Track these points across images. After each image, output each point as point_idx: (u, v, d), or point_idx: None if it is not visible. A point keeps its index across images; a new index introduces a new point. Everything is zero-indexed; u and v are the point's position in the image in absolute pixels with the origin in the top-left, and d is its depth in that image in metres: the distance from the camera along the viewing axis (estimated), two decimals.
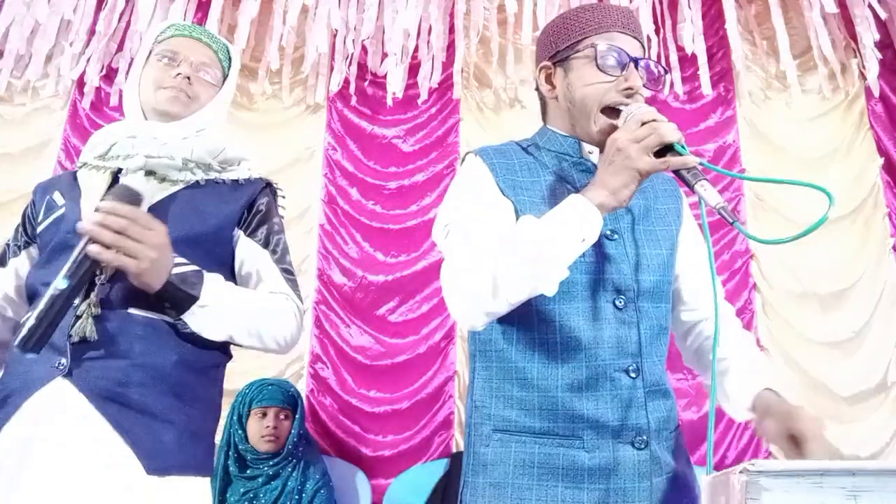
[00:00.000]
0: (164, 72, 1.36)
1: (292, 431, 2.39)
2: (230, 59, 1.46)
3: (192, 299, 1.17)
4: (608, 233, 1.13)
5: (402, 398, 2.95)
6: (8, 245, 1.37)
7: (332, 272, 3.13)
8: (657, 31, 3.20)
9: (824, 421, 1.07)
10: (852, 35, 3.23)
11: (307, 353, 3.02)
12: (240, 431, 2.38)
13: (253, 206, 1.36)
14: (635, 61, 1.14)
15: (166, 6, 3.09)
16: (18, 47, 3.14)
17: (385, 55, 3.25)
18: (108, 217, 1.10)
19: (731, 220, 0.94)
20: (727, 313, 1.29)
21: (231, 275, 1.32)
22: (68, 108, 3.33)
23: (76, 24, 3.18)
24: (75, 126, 3.29)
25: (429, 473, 2.72)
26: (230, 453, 2.37)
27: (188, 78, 1.35)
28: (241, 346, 1.27)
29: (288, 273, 1.35)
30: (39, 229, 1.30)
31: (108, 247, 1.10)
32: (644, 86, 1.15)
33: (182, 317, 1.18)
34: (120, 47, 3.30)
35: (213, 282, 1.21)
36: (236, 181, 1.37)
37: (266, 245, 1.34)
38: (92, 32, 3.22)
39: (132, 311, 1.18)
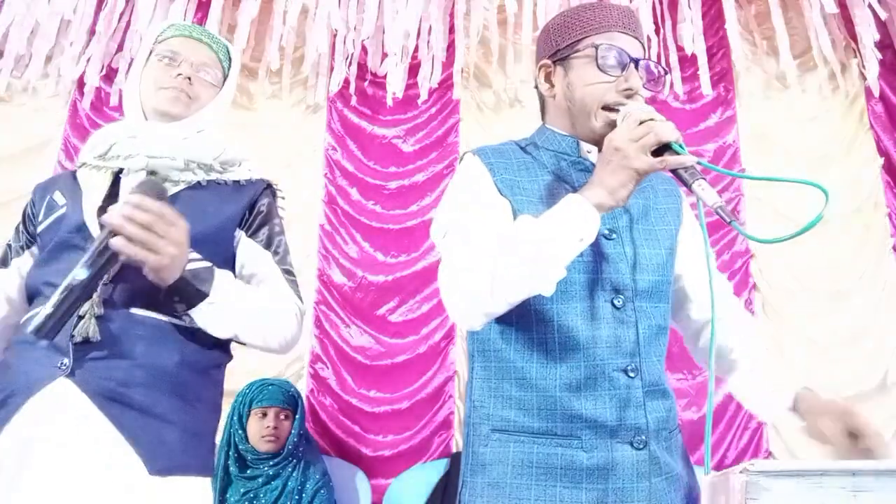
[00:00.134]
0: (164, 72, 1.36)
1: (292, 431, 2.39)
2: (230, 59, 1.46)
3: (202, 295, 1.17)
4: (606, 232, 1.13)
5: (402, 398, 2.95)
6: (9, 245, 1.37)
7: (332, 272, 3.13)
8: (657, 31, 3.20)
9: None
10: (852, 35, 3.23)
11: (307, 353, 3.02)
12: (240, 431, 2.38)
13: (254, 206, 1.36)
14: (635, 62, 1.14)
15: (166, 6, 3.09)
16: (18, 47, 3.14)
17: (385, 55, 3.25)
18: (136, 211, 1.10)
19: (728, 220, 0.93)
20: (736, 308, 1.28)
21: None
22: (68, 108, 3.33)
23: (76, 24, 3.17)
24: (75, 126, 3.29)
25: (429, 473, 2.72)
26: (230, 453, 2.37)
27: (189, 78, 1.35)
28: (244, 344, 1.28)
29: (289, 274, 1.35)
30: (40, 229, 1.30)
31: (130, 240, 1.10)
32: (644, 86, 1.15)
33: (190, 312, 1.18)
34: (120, 47, 3.30)
35: (222, 279, 1.21)
36: (237, 182, 1.37)
37: (268, 246, 1.34)
38: (92, 32, 3.22)
39: (134, 311, 1.18)
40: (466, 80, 3.37)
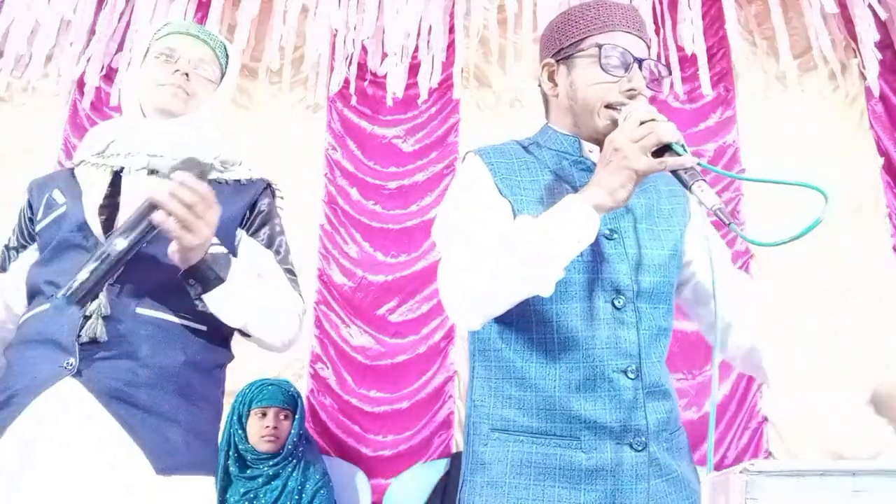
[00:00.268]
0: (162, 69, 1.35)
1: (292, 431, 2.39)
2: (227, 56, 1.46)
3: (220, 280, 1.17)
4: (607, 232, 1.13)
5: (402, 398, 2.94)
6: (7, 248, 1.37)
7: (332, 272, 3.13)
8: (657, 31, 3.20)
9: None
10: (852, 35, 3.23)
11: (307, 353, 3.02)
12: (240, 431, 2.38)
13: (255, 206, 1.37)
14: (639, 62, 1.13)
15: (166, 6, 3.09)
16: (18, 47, 3.13)
17: (385, 55, 3.25)
18: (181, 189, 1.11)
19: (727, 222, 0.93)
20: (755, 302, 1.28)
21: None
22: (68, 108, 3.33)
23: (76, 24, 3.17)
24: (75, 126, 3.29)
25: (429, 473, 2.72)
26: (230, 453, 2.37)
27: (186, 75, 1.35)
28: (248, 337, 1.28)
29: (291, 274, 1.36)
30: (39, 227, 1.30)
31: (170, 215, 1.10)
32: (647, 86, 1.14)
33: (203, 297, 1.18)
34: (120, 47, 3.30)
35: (238, 267, 1.22)
36: (238, 181, 1.37)
37: (269, 246, 1.35)
38: (92, 32, 3.22)
39: (140, 311, 1.19)
40: (466, 79, 3.37)
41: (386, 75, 3.24)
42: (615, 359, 1.08)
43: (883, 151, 3.19)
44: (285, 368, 2.96)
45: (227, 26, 3.29)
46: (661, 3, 3.23)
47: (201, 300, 1.19)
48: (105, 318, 1.15)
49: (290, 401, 2.45)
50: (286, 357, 2.91)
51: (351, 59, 3.26)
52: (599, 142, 1.15)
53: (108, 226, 1.23)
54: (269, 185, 1.42)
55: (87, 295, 1.09)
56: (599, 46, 1.13)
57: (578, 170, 1.18)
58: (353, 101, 3.34)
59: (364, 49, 3.31)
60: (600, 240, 1.11)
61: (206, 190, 1.14)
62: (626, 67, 1.13)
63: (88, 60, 3.25)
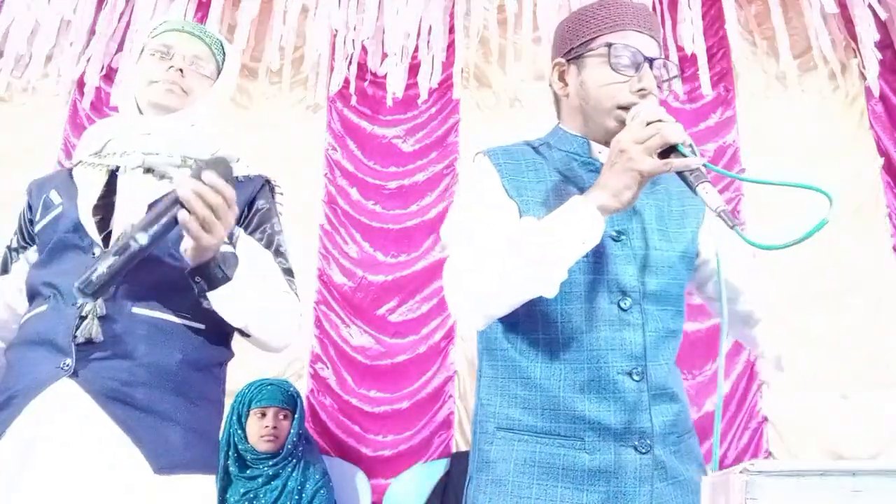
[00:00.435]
0: (157, 65, 1.35)
1: (292, 431, 2.39)
2: (224, 53, 1.45)
3: (226, 279, 1.17)
4: (614, 234, 1.12)
5: (402, 398, 2.94)
6: (9, 249, 1.37)
7: (332, 272, 3.13)
8: None
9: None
10: (852, 35, 3.23)
11: (307, 353, 3.02)
12: (239, 431, 2.38)
13: (253, 204, 1.36)
14: (650, 61, 1.12)
15: (166, 6, 3.09)
16: (18, 47, 3.13)
17: (385, 55, 3.25)
18: (207, 190, 1.09)
19: (730, 224, 0.93)
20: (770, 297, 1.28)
21: None
22: (68, 108, 3.33)
23: (76, 24, 3.17)
24: (75, 126, 3.29)
25: (429, 473, 2.72)
26: (230, 453, 2.37)
27: (181, 70, 1.35)
28: (247, 337, 1.27)
29: (289, 273, 1.35)
30: (37, 228, 1.30)
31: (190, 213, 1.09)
32: (658, 85, 1.13)
33: (209, 294, 1.17)
34: (120, 47, 3.30)
35: (244, 267, 1.21)
36: (236, 178, 1.37)
37: (268, 245, 1.34)
38: (92, 32, 3.22)
39: (136, 310, 1.18)
40: (466, 79, 3.37)
41: (386, 75, 3.24)
42: (620, 360, 1.08)
43: (883, 151, 3.19)
44: (285, 368, 2.96)
45: (227, 26, 3.29)
46: (661, 3, 3.23)
47: (206, 297, 1.18)
48: (101, 318, 1.15)
49: (289, 401, 2.45)
50: (286, 357, 2.92)
51: (351, 60, 3.26)
52: (609, 143, 1.15)
53: (102, 226, 1.22)
54: (267, 183, 1.41)
55: (102, 288, 1.07)
56: (609, 46, 1.12)
57: (587, 171, 1.17)
58: (353, 101, 3.34)
59: (364, 49, 3.31)
60: (607, 241, 1.11)
61: (231, 193, 1.13)
62: (637, 67, 1.11)
63: (88, 60, 3.25)
